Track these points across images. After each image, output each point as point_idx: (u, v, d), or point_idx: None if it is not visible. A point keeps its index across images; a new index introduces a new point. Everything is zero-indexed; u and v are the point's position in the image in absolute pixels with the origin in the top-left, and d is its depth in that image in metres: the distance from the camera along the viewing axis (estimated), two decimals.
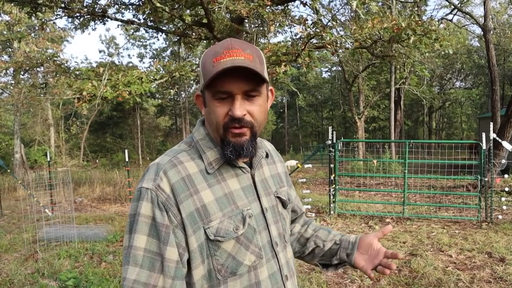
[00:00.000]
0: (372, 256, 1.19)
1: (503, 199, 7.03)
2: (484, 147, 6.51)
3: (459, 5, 16.08)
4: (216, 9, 7.07)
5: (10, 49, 19.37)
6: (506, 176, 7.85)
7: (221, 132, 0.98)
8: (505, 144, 7.12)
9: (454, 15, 18.01)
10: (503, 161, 8.19)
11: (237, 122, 0.96)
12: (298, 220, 1.36)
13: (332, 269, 1.29)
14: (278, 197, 1.13)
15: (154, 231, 0.94)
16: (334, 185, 7.29)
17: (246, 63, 0.93)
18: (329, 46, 7.24)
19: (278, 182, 1.18)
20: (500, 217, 6.60)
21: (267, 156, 1.17)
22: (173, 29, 9.85)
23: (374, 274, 1.19)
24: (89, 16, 8.61)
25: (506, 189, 7.50)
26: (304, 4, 8.35)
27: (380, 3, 15.08)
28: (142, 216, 0.94)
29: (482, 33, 15.15)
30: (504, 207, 7.02)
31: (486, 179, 6.58)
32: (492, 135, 6.65)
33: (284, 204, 1.15)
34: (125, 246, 0.96)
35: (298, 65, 8.71)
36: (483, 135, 6.57)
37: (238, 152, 0.98)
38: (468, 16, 16.83)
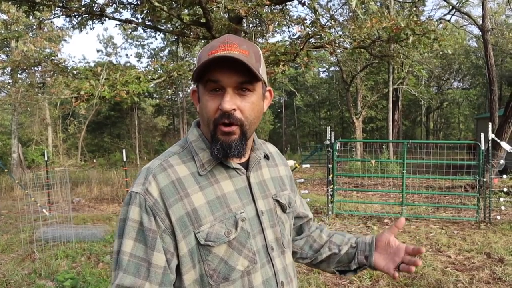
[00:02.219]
0: (392, 255, 1.14)
1: (501, 199, 7.04)
2: (482, 147, 6.52)
3: (458, 5, 16.10)
4: (214, 9, 7.05)
5: (7, 48, 19.29)
6: (504, 176, 7.87)
7: (211, 128, 0.96)
8: (503, 144, 7.13)
9: (452, 15, 18.03)
10: (502, 161, 8.21)
11: (226, 118, 0.93)
12: (305, 225, 1.32)
13: (351, 274, 1.24)
14: (277, 200, 1.09)
15: (141, 236, 0.92)
16: (332, 185, 7.29)
17: (239, 57, 0.90)
18: (327, 46, 7.23)
19: (280, 185, 1.13)
20: (498, 217, 6.60)
21: (267, 158, 1.14)
22: (171, 28, 9.82)
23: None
24: (87, 15, 8.57)
25: (505, 189, 7.52)
26: (303, 4, 8.33)
27: (378, 3, 15.11)
28: (130, 221, 0.93)
29: (480, 33, 15.19)
30: (503, 208, 7.03)
31: (484, 179, 6.58)
32: (491, 136, 6.65)
33: (283, 208, 1.10)
34: (115, 251, 0.95)
35: (296, 65, 8.71)
36: (482, 135, 6.57)
37: (225, 151, 0.95)
38: (466, 16, 16.86)
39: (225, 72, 0.92)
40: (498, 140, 7.14)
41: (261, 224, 1.03)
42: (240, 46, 0.94)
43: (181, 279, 0.95)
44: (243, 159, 1.05)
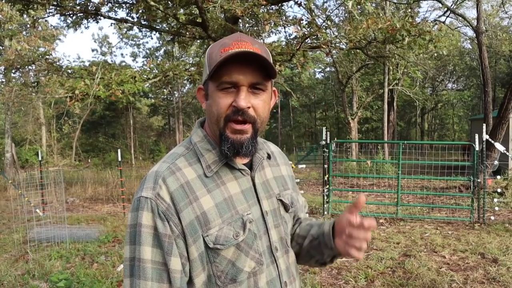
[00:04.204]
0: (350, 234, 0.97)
1: (495, 200, 7.08)
2: (476, 148, 6.55)
3: (452, 6, 16.19)
4: (210, 8, 7.04)
5: (1, 47, 19.16)
6: (498, 177, 7.92)
7: (221, 125, 0.94)
8: (497, 145, 7.17)
9: (447, 17, 18.14)
10: (495, 162, 8.26)
11: (240, 115, 0.92)
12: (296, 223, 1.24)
13: (330, 263, 1.13)
14: (280, 200, 1.09)
15: (157, 242, 0.91)
16: (327, 186, 7.29)
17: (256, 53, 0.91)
18: (323, 47, 7.24)
19: (282, 184, 1.13)
20: (492, 218, 6.64)
21: (269, 157, 1.13)
22: (167, 28, 9.80)
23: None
24: (82, 14, 8.54)
25: (498, 190, 7.56)
26: (299, 5, 8.35)
27: (374, 4, 15.15)
28: (144, 227, 0.91)
29: (474, 35, 15.28)
30: (496, 208, 7.07)
31: (478, 180, 6.62)
32: (485, 137, 6.69)
33: (286, 208, 1.10)
34: (128, 257, 0.93)
35: (292, 65, 8.72)
36: (476, 136, 6.61)
37: (236, 150, 0.94)
38: (460, 18, 16.96)
39: (241, 70, 0.91)
40: (492, 141, 7.18)
41: (266, 224, 1.02)
42: (253, 45, 0.94)
43: (192, 282, 0.95)
44: (247, 160, 1.04)
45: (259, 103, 0.95)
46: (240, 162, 1.02)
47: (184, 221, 0.92)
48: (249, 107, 0.93)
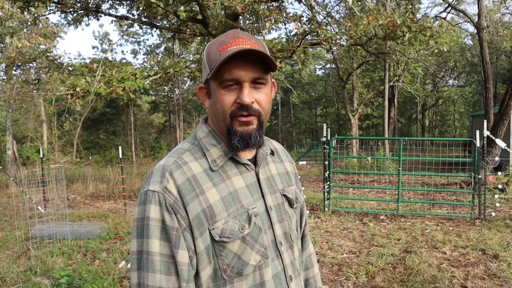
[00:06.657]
0: None
1: (496, 196, 7.09)
2: (477, 144, 6.54)
3: (453, 2, 16.14)
4: (211, 5, 7.03)
5: (2, 45, 19.16)
6: (499, 173, 7.92)
7: (228, 121, 0.96)
8: (498, 141, 7.17)
9: (448, 13, 18.10)
10: (496, 158, 8.26)
11: (245, 110, 0.94)
12: (303, 244, 1.30)
13: None
14: (285, 195, 1.11)
15: (165, 235, 0.92)
16: (328, 182, 7.30)
17: (255, 49, 0.93)
18: (324, 43, 7.23)
19: (286, 180, 1.15)
20: (493, 214, 6.65)
21: (272, 153, 1.15)
22: (168, 25, 9.79)
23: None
24: (82, 11, 8.53)
25: (499, 186, 7.57)
26: (299, 1, 8.32)
27: (374, 1, 15.11)
28: (152, 220, 0.92)
29: (475, 31, 15.24)
30: (497, 204, 7.07)
31: (479, 176, 6.62)
32: (486, 133, 6.68)
33: (290, 203, 1.12)
34: (135, 251, 0.94)
35: (293, 62, 8.71)
36: (477, 132, 6.61)
37: (246, 141, 0.97)
38: (462, 14, 16.92)
39: (241, 67, 0.93)
40: (493, 137, 7.18)
41: (270, 219, 1.04)
42: (250, 40, 0.96)
43: (198, 275, 0.96)
44: (251, 155, 1.06)
45: (262, 97, 0.97)
46: (245, 157, 1.04)
47: (191, 214, 0.93)
48: (253, 102, 0.95)
